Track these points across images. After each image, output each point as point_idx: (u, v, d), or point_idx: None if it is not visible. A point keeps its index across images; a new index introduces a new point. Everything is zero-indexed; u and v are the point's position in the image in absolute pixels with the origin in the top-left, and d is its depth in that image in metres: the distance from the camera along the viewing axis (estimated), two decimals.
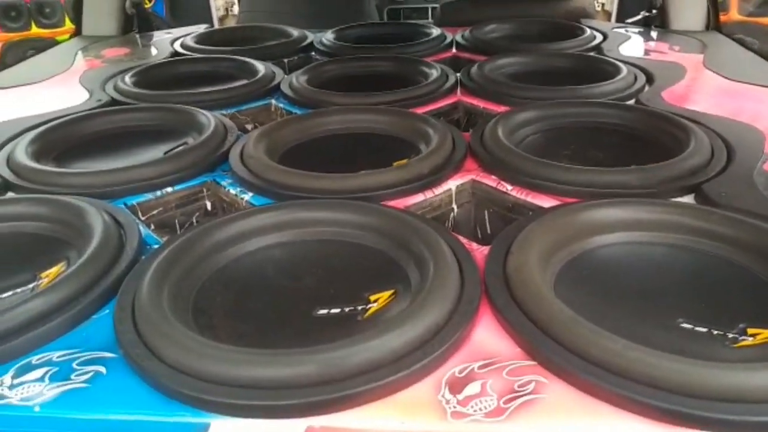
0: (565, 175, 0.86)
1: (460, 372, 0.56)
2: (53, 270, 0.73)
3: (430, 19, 2.85)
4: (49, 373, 0.57)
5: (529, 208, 0.86)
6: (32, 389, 0.55)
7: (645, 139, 1.03)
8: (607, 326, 0.57)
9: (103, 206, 0.82)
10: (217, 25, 2.85)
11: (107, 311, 0.65)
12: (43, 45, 1.95)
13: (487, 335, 0.61)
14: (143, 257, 0.73)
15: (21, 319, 0.61)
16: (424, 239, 0.71)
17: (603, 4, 2.82)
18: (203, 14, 2.93)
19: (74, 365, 0.58)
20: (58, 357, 0.59)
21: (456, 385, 0.55)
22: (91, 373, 0.57)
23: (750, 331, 0.60)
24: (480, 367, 0.57)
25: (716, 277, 0.69)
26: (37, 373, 0.57)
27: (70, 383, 0.56)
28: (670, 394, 0.50)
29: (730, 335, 0.59)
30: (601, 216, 0.75)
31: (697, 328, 0.61)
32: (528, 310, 0.60)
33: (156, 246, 0.77)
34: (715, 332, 0.60)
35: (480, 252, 0.73)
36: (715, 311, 0.63)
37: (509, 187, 0.88)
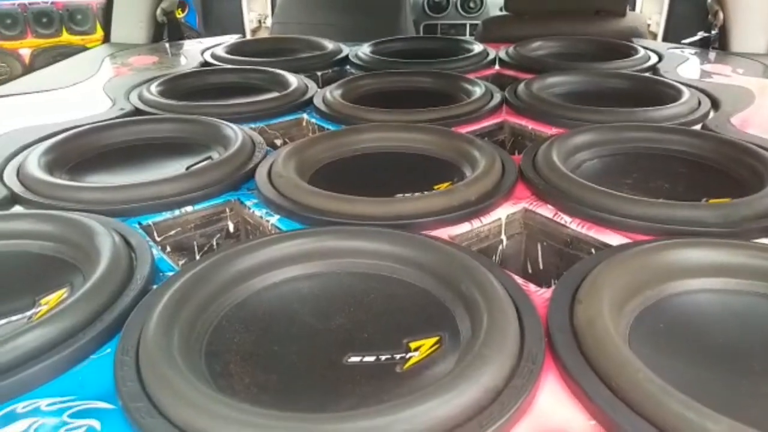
0: (634, 207, 0.75)
1: None
2: (54, 296, 0.65)
3: (467, 36, 2.77)
4: (36, 425, 0.49)
5: (591, 244, 0.75)
6: None
7: (716, 170, 0.92)
8: (695, 396, 0.47)
9: (115, 226, 0.74)
10: (249, 37, 2.80)
11: (109, 350, 0.57)
12: (72, 52, 1.90)
13: (554, 402, 0.51)
14: (154, 287, 0.65)
15: (8, 358, 0.52)
16: (475, 279, 0.61)
17: (649, 25, 2.71)
18: (236, 26, 2.89)
19: (65, 417, 0.49)
20: (47, 405, 0.51)
21: None
22: (83, 429, 0.48)
23: None
24: None
25: None
26: (22, 425, 0.49)
27: None
28: None
29: None
30: (680, 258, 0.64)
31: None
32: (604, 375, 0.50)
33: (170, 273, 0.68)
34: None
35: (539, 296, 0.63)
36: None
37: (568, 219, 0.78)
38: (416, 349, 0.57)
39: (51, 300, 0.65)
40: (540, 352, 0.53)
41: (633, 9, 2.88)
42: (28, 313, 0.62)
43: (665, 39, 2.69)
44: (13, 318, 0.62)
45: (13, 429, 0.48)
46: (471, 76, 1.38)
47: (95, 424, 0.49)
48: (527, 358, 0.53)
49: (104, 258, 0.65)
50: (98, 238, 0.68)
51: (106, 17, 1.80)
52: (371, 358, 0.56)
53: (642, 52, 1.55)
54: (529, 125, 1.14)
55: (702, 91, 1.24)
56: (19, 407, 0.50)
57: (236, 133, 0.99)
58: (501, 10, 2.32)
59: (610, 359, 0.50)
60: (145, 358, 0.52)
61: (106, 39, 1.83)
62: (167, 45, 1.84)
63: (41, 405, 0.51)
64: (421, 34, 2.77)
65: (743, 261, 0.65)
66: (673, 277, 0.64)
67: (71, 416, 0.50)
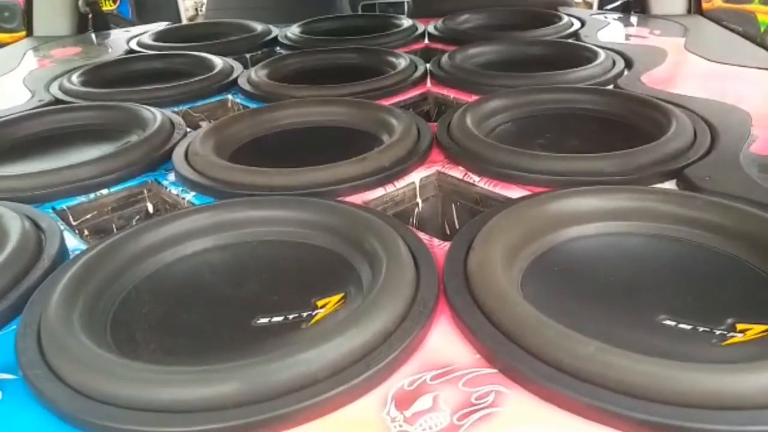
0: (536, 163, 0.79)
1: (410, 384, 0.49)
2: None
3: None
4: None
5: (497, 200, 0.78)
6: None
7: (624, 125, 0.96)
8: (581, 328, 0.50)
9: (25, 211, 0.74)
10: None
11: (14, 327, 0.57)
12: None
13: (444, 341, 0.53)
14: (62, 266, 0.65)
15: None
16: (378, 236, 0.63)
17: None
18: (171, 15, 2.84)
19: None
20: None
21: (404, 400, 0.47)
22: None
23: (739, 326, 0.53)
24: (433, 378, 0.49)
25: (701, 268, 0.62)
26: None
27: None
28: (648, 402, 0.43)
29: (718, 332, 0.53)
30: (573, 205, 0.68)
31: (681, 326, 0.54)
32: (489, 311, 0.53)
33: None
34: (701, 329, 0.53)
35: (441, 249, 0.66)
36: (701, 306, 0.56)
37: (476, 179, 0.81)
38: (322, 306, 0.60)
39: None
40: (432, 297, 0.56)
41: None
42: None
43: (600, 6, 2.74)
44: None
45: None
46: (400, 51, 1.40)
47: None
48: (420, 303, 0.55)
49: (11, 241, 0.65)
50: (5, 221, 0.68)
51: (28, 10, 1.76)
52: (279, 318, 0.58)
53: (565, 19, 1.59)
54: (451, 94, 1.17)
55: (617, 52, 1.29)
56: None
57: (155, 115, 0.99)
58: None
59: (494, 296, 0.53)
60: (44, 328, 0.53)
61: (29, 33, 1.78)
62: (93, 35, 1.81)
63: None
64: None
65: (635, 204, 0.68)
66: (569, 223, 0.67)
67: None
